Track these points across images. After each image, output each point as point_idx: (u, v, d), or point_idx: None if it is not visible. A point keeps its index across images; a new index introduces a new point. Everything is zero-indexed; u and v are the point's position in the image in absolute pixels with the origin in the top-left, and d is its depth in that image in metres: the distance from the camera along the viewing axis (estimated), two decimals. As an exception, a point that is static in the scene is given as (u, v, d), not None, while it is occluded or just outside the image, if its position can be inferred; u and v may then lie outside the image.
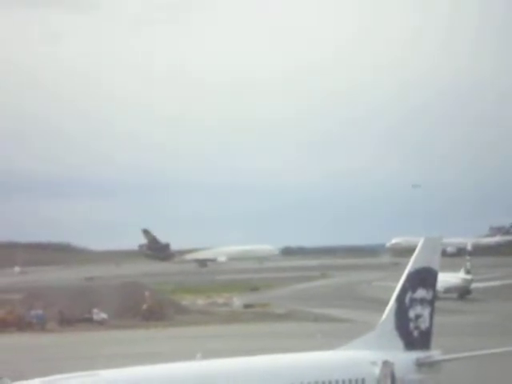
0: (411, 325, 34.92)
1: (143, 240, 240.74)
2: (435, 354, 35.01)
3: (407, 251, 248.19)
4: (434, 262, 35.75)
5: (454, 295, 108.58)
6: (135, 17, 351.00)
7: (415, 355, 34.48)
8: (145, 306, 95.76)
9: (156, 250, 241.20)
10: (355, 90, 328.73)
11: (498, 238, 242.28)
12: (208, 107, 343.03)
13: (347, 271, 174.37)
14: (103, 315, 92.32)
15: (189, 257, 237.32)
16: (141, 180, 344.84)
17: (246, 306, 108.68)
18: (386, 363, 32.96)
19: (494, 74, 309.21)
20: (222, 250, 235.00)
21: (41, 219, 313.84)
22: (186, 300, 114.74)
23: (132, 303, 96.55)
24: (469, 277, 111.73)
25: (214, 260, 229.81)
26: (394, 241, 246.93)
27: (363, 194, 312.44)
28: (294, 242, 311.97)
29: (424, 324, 35.18)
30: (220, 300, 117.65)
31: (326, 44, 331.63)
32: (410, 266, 35.31)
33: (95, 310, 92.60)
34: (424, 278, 35.33)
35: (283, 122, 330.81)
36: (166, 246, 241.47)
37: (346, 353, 34.16)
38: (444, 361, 35.10)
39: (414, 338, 34.92)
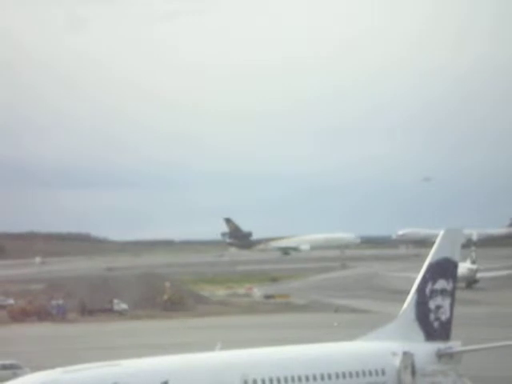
0: (432, 316, 34.80)
1: (224, 228, 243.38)
2: (456, 344, 34.87)
3: (414, 242, 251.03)
4: (455, 253, 35.59)
5: (462, 284, 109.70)
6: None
7: (436, 346, 34.35)
8: (165, 297, 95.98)
9: (238, 238, 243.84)
10: (371, 81, 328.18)
11: (505, 229, 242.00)
12: (226, 97, 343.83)
13: (367, 262, 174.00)
14: (124, 305, 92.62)
15: (272, 245, 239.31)
16: (162, 171, 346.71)
17: (267, 297, 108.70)
18: (406, 354, 32.87)
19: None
20: (305, 238, 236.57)
21: (61, 210, 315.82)
22: (207, 290, 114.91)
23: (152, 294, 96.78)
24: (474, 266, 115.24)
25: (296, 248, 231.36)
26: (400, 232, 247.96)
27: (378, 184, 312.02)
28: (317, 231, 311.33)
29: (444, 315, 35.04)
30: (240, 290, 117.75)
31: (344, 34, 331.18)
32: (431, 257, 35.18)
33: (116, 301, 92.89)
34: (444, 269, 35.19)
35: (300, 111, 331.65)
36: (248, 235, 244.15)
37: (367, 343, 34.07)
38: (464, 351, 34.97)
39: (434, 328, 34.79)
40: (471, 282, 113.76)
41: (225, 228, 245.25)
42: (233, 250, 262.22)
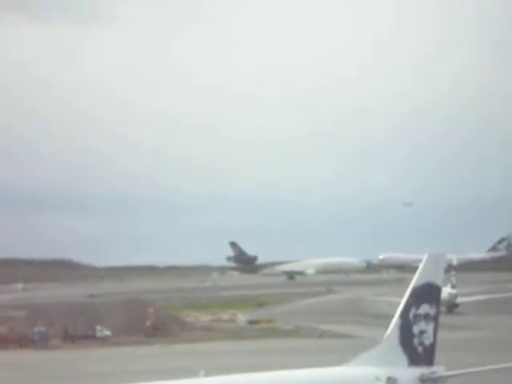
0: (415, 340, 34.76)
1: (230, 252, 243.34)
2: (439, 369, 34.83)
3: (393, 267, 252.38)
4: (438, 277, 35.63)
5: (443, 309, 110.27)
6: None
7: (419, 371, 34.29)
8: (148, 323, 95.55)
9: (243, 262, 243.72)
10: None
11: (484, 254, 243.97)
12: (237, 120, 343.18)
13: (352, 286, 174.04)
14: (106, 332, 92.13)
15: (276, 269, 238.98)
16: (156, 195, 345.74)
17: (251, 322, 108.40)
18: (390, 379, 32.80)
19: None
20: (311, 262, 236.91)
21: (43, 236, 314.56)
22: (191, 316, 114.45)
23: (135, 320, 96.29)
24: (454, 291, 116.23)
25: (302, 272, 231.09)
26: (381, 256, 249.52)
27: (359, 208, 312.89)
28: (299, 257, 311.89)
29: (428, 340, 35.01)
30: (225, 316, 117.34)
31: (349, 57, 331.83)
32: (414, 281, 35.19)
33: (98, 327, 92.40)
34: (428, 293, 35.19)
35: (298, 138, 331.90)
36: (254, 259, 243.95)
37: (351, 369, 33.97)
38: (448, 377, 34.92)
39: (418, 353, 34.74)
40: (452, 306, 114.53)
41: (229, 252, 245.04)
42: (215, 275, 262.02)
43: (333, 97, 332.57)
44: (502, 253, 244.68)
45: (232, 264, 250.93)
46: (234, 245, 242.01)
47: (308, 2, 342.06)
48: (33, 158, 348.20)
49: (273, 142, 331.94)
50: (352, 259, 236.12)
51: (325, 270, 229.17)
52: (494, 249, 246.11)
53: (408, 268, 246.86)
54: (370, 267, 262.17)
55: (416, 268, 36.41)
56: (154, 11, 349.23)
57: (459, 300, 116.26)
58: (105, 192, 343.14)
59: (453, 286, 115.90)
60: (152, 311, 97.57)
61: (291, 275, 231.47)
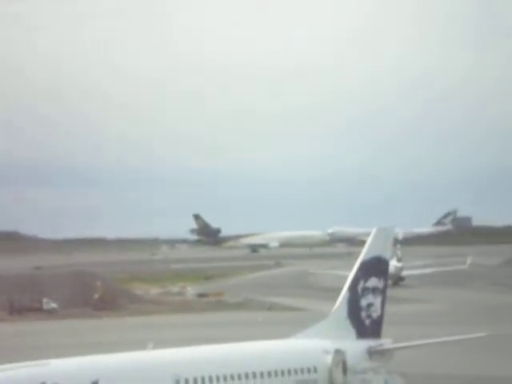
0: (363, 313, 35.01)
1: (192, 225, 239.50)
2: (386, 342, 35.16)
3: (342, 240, 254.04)
4: (386, 251, 35.90)
5: (389, 282, 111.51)
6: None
7: (367, 344, 34.58)
8: (96, 296, 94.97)
9: (207, 235, 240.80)
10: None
11: (430, 229, 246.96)
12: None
13: (301, 260, 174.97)
14: (53, 305, 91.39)
15: (241, 242, 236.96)
16: (98, 170, 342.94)
17: (200, 295, 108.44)
18: (338, 352, 33.00)
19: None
20: (274, 235, 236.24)
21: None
22: (140, 289, 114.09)
23: (83, 293, 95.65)
24: (400, 264, 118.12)
25: (265, 245, 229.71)
26: (330, 230, 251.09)
27: (318, 184, 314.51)
28: (249, 231, 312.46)
29: (375, 313, 35.28)
30: (174, 289, 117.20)
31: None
32: (363, 255, 35.41)
33: (45, 300, 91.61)
34: (376, 267, 35.45)
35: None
36: (217, 231, 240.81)
37: (299, 341, 34.13)
38: (395, 349, 35.26)
39: (365, 326, 35.01)
40: (397, 279, 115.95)
41: (193, 224, 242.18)
42: (165, 248, 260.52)
43: (311, 79, 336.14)
44: (447, 227, 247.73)
45: (196, 236, 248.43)
46: (197, 217, 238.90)
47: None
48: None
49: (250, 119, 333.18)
50: (315, 232, 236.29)
51: (288, 243, 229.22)
52: (439, 223, 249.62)
53: (356, 242, 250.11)
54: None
55: (364, 242, 36.65)
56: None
57: (405, 273, 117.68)
58: (57, 163, 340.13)
59: (398, 260, 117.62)
60: (100, 284, 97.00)
61: (255, 248, 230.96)
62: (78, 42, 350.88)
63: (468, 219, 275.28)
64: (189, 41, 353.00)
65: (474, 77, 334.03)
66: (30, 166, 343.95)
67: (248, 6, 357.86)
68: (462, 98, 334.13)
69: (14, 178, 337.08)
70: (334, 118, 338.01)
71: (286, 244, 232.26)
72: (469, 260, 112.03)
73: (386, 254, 35.88)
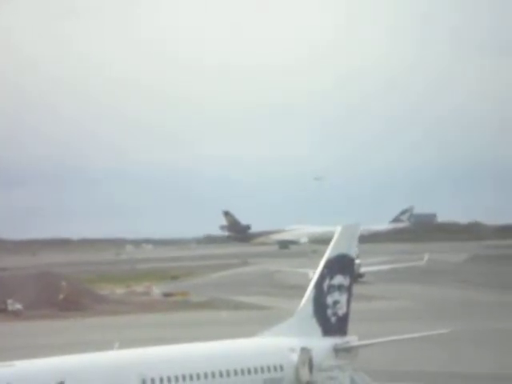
0: (329, 311, 35.13)
1: (223, 222, 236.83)
2: (352, 339, 35.31)
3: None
4: (351, 249, 36.06)
5: None
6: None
7: (333, 341, 34.70)
8: (61, 296, 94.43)
9: (236, 231, 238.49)
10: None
11: (387, 226, 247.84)
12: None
13: (267, 258, 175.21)
14: (18, 306, 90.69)
15: (271, 238, 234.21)
16: (60, 169, 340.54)
17: (166, 295, 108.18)
18: (304, 349, 33.08)
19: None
20: (304, 231, 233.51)
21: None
22: (105, 289, 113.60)
23: (48, 293, 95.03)
24: (358, 261, 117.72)
25: (296, 242, 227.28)
26: (287, 228, 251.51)
27: (276, 181, 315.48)
28: (215, 230, 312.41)
29: (341, 310, 35.42)
30: (139, 289, 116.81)
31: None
32: (328, 253, 35.52)
33: (9, 301, 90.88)
34: (341, 264, 35.59)
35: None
36: (247, 228, 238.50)
37: (265, 340, 34.18)
38: (361, 346, 35.45)
39: (331, 324, 35.13)
40: (356, 276, 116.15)
41: (223, 221, 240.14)
42: (130, 248, 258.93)
43: (286, 78, 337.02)
44: (404, 224, 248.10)
45: (226, 233, 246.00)
46: (227, 214, 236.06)
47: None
48: None
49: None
50: None
51: (318, 239, 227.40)
52: (396, 220, 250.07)
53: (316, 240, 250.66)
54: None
55: (325, 240, 36.78)
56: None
57: (363, 270, 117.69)
58: (21, 162, 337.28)
59: (356, 257, 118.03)
60: (65, 284, 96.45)
61: (284, 244, 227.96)
62: (44, 37, 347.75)
63: (432, 216, 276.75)
64: (164, 39, 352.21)
65: (449, 76, 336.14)
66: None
67: (227, 5, 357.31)
68: (434, 96, 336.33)
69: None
70: (308, 117, 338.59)
71: (316, 240, 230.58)
72: (426, 256, 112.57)
73: (351, 252, 36.05)
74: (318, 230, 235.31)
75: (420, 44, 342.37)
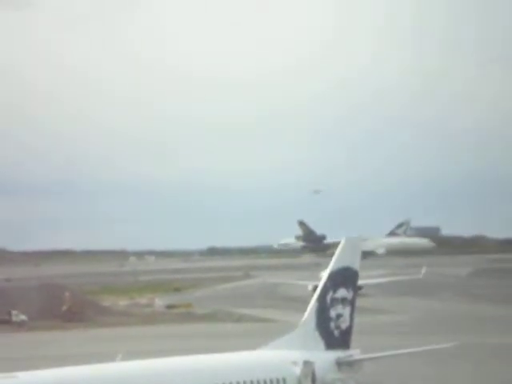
0: (332, 324, 35.15)
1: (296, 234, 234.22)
2: (355, 353, 35.31)
3: (295, 252, 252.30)
4: (355, 261, 36.08)
5: None
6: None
7: (335, 354, 34.71)
8: (65, 308, 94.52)
9: (311, 241, 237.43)
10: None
11: (385, 240, 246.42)
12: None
13: (270, 271, 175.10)
14: (22, 317, 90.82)
15: None
16: (67, 180, 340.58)
17: (169, 307, 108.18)
18: (306, 363, 33.08)
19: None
20: (381, 241, 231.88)
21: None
22: (108, 301, 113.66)
23: (52, 304, 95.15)
24: None
25: (372, 252, 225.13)
26: (282, 241, 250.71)
27: (272, 195, 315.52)
28: (218, 242, 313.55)
29: (344, 323, 35.44)
30: (142, 301, 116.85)
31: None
32: (332, 265, 35.55)
33: (14, 312, 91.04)
34: (345, 277, 35.62)
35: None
36: (322, 238, 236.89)
37: (267, 352, 34.18)
38: (363, 360, 35.43)
39: (334, 337, 35.15)
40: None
41: (298, 231, 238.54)
42: (133, 259, 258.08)
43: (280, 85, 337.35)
44: (400, 237, 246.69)
45: (301, 243, 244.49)
46: (302, 224, 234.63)
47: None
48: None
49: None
50: (422, 240, 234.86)
51: (394, 250, 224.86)
52: (392, 233, 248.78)
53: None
54: (272, 252, 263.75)
55: (403, 250, 36.52)
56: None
57: (362, 282, 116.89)
58: (23, 175, 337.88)
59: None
60: (68, 296, 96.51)
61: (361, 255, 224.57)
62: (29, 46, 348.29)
63: (436, 229, 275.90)
64: (149, 49, 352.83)
65: (443, 83, 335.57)
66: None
67: (214, 12, 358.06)
68: (428, 104, 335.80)
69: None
70: (298, 125, 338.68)
71: (393, 250, 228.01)
72: (423, 269, 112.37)
73: (355, 265, 36.07)
74: (395, 240, 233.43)
75: (413, 51, 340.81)
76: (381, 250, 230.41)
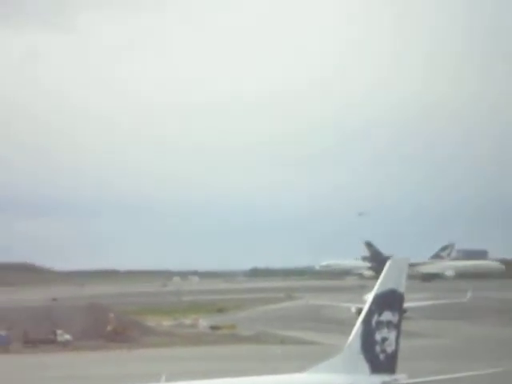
0: (377, 348, 34.82)
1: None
2: (401, 377, 34.90)
3: (336, 273, 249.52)
4: (401, 284, 35.74)
5: None
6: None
7: (381, 379, 34.36)
8: (109, 328, 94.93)
9: (378, 262, 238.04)
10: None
11: (429, 261, 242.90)
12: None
13: (313, 293, 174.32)
14: (67, 336, 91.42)
15: (416, 270, 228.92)
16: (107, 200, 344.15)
17: (213, 328, 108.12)
18: (352, 387, 32.82)
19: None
20: (450, 263, 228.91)
21: (4, 238, 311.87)
22: (152, 321, 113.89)
23: (96, 324, 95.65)
24: None
25: (440, 275, 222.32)
26: (324, 263, 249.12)
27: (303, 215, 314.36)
28: (261, 263, 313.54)
29: (390, 347, 35.08)
30: (186, 321, 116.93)
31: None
32: (377, 288, 35.27)
33: (59, 332, 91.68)
34: (390, 300, 35.29)
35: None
36: (388, 259, 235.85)
37: (312, 376, 33.95)
38: (410, 384, 35.03)
39: (379, 361, 34.80)
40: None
41: (365, 252, 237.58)
42: (177, 279, 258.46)
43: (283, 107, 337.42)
44: (445, 260, 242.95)
45: (368, 264, 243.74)
46: (369, 245, 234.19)
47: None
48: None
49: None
50: (493, 262, 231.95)
51: (464, 272, 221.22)
52: (436, 256, 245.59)
53: (351, 274, 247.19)
54: (314, 273, 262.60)
55: (358, 274, 36.47)
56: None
57: (406, 305, 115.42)
58: (66, 196, 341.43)
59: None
60: (113, 316, 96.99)
61: (428, 277, 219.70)
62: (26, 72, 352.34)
63: (483, 252, 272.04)
64: (151, 77, 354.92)
65: (468, 99, 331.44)
66: (38, 199, 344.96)
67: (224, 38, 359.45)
68: (458, 121, 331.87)
69: (23, 211, 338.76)
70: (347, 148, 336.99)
71: (462, 273, 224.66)
72: (469, 293, 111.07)
73: (401, 287, 35.69)
74: (466, 262, 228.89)
75: (425, 69, 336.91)
76: (449, 273, 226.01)
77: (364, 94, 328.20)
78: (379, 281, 35.45)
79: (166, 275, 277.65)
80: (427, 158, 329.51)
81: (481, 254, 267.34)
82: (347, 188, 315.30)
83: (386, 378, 34.45)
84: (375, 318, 34.82)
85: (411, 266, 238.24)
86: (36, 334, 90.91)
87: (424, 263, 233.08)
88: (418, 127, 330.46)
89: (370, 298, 35.40)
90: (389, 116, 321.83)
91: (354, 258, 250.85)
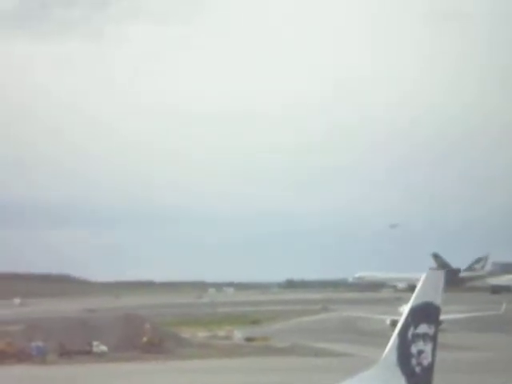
0: (413, 360, 34.67)
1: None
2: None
3: (370, 286, 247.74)
4: (437, 296, 35.57)
5: None
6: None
7: (417, 391, 34.23)
8: (145, 339, 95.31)
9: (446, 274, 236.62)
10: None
11: (464, 273, 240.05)
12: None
13: (348, 305, 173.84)
14: (103, 347, 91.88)
15: (486, 282, 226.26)
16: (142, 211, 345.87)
17: (247, 340, 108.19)
18: (388, 399, 32.70)
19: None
20: None
21: (41, 249, 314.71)
22: (187, 333, 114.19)
23: (132, 335, 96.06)
24: None
25: (508, 287, 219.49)
26: (357, 275, 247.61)
27: (349, 229, 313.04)
28: (296, 275, 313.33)
29: (426, 360, 34.92)
30: (221, 333, 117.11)
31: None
32: (413, 300, 35.13)
33: (95, 343, 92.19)
34: (426, 313, 35.11)
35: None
36: (457, 271, 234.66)
37: (348, 388, 33.90)
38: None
39: (416, 374, 34.66)
40: None
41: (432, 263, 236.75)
42: (212, 291, 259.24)
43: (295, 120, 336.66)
44: (479, 273, 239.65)
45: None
46: (436, 257, 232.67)
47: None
48: (23, 173, 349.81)
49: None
50: None
51: None
52: (470, 268, 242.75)
53: (385, 286, 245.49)
54: (348, 285, 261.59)
55: (392, 287, 36.36)
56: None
57: (442, 317, 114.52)
58: (101, 207, 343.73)
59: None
60: (148, 327, 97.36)
61: (497, 289, 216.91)
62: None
63: None
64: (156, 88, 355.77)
65: (487, 112, 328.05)
66: (73, 210, 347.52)
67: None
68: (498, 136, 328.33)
69: (58, 222, 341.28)
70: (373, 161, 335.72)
71: None
72: (504, 306, 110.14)
73: (437, 300, 35.48)
74: None
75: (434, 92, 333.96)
76: None
77: (381, 107, 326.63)
78: (415, 293, 35.30)
79: (202, 287, 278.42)
80: (460, 169, 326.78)
81: None
82: (379, 199, 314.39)
83: (423, 390, 34.28)
84: (411, 331, 34.68)
85: (481, 277, 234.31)
86: (72, 344, 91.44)
87: (493, 275, 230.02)
88: (446, 141, 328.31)
89: (405, 310, 35.30)
90: (408, 129, 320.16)
91: (386, 271, 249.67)
